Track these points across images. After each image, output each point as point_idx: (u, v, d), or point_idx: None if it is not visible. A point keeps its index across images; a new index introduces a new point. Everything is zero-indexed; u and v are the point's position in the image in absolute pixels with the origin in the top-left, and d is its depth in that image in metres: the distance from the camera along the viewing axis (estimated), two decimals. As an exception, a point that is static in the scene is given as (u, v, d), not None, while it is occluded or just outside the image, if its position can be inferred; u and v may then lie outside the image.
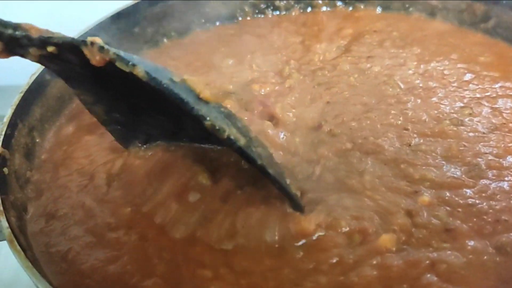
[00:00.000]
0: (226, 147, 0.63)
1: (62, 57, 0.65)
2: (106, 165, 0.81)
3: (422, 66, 0.98)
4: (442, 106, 0.87)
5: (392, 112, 0.86)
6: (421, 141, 0.80)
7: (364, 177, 0.74)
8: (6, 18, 0.63)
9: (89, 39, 0.62)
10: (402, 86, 0.93)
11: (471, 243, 0.65)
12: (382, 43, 1.07)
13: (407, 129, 0.82)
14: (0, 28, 0.62)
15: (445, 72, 0.96)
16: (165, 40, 1.14)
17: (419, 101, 0.89)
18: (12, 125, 0.81)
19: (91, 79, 0.68)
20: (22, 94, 0.84)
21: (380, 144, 0.80)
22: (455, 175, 0.73)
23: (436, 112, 0.86)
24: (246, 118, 0.86)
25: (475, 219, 0.67)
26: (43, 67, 0.88)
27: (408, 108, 0.87)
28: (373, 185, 0.73)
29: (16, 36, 0.62)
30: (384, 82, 0.94)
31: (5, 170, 0.75)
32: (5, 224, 0.65)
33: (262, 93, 0.92)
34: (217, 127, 0.60)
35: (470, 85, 0.92)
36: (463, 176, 0.73)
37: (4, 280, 1.01)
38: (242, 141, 0.62)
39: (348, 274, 0.63)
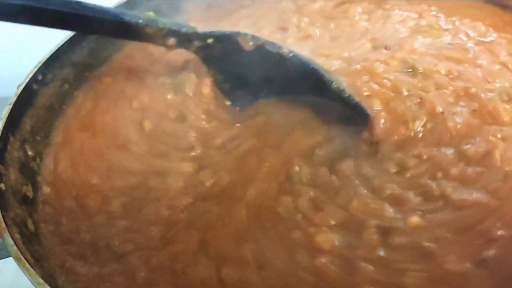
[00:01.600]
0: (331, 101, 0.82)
1: (214, 46, 0.86)
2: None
3: (441, 21, 0.99)
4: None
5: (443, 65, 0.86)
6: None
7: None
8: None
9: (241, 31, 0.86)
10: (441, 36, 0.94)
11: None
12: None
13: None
14: (177, 27, 0.85)
15: (469, 32, 0.96)
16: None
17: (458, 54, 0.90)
18: (4, 138, 0.77)
19: (222, 60, 0.88)
20: (11, 106, 0.80)
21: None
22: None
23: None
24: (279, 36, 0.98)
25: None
26: (30, 77, 0.86)
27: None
28: None
29: (188, 32, 0.85)
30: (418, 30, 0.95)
31: (2, 185, 0.72)
32: (10, 241, 0.62)
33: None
34: (341, 89, 0.80)
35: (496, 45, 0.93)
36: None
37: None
38: (357, 98, 0.79)
39: None
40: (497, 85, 0.82)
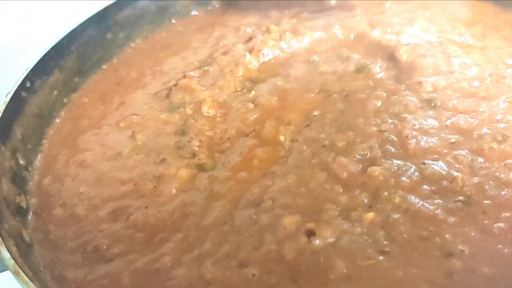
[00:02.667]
0: None
1: None
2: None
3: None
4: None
5: None
6: None
7: None
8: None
9: None
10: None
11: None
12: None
13: None
14: None
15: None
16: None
17: None
18: (-5, 148, 0.75)
19: None
20: (0, 115, 0.78)
21: None
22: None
23: None
24: None
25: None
26: (18, 84, 0.84)
27: None
28: None
29: None
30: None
31: (-5, 197, 0.70)
32: (6, 255, 0.60)
33: None
34: None
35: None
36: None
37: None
38: None
39: None
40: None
